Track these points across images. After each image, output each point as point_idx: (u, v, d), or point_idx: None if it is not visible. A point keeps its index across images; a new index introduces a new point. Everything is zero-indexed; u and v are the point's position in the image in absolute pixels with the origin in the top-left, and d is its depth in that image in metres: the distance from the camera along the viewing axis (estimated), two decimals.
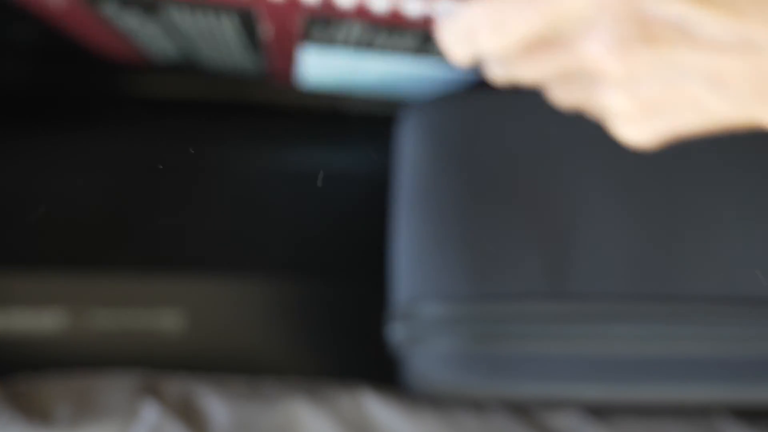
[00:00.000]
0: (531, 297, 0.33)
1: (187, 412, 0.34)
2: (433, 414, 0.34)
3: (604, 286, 0.33)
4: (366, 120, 0.52)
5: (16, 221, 0.47)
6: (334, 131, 0.53)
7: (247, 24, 0.33)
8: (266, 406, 0.34)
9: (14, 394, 0.34)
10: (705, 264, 0.33)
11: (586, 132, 0.35)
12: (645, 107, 0.25)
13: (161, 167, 0.49)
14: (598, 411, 0.35)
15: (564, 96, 0.28)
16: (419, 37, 0.32)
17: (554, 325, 0.32)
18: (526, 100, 0.36)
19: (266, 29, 0.33)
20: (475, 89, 0.37)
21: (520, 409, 0.34)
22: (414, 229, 0.36)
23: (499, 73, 0.28)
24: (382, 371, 0.40)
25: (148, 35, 0.36)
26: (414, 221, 0.36)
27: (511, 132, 0.36)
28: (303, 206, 0.50)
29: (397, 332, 0.35)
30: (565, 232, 0.34)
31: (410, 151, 0.37)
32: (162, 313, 0.43)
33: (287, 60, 0.39)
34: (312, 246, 0.49)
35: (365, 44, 0.33)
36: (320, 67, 0.39)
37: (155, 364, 0.39)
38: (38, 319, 0.41)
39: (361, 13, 0.30)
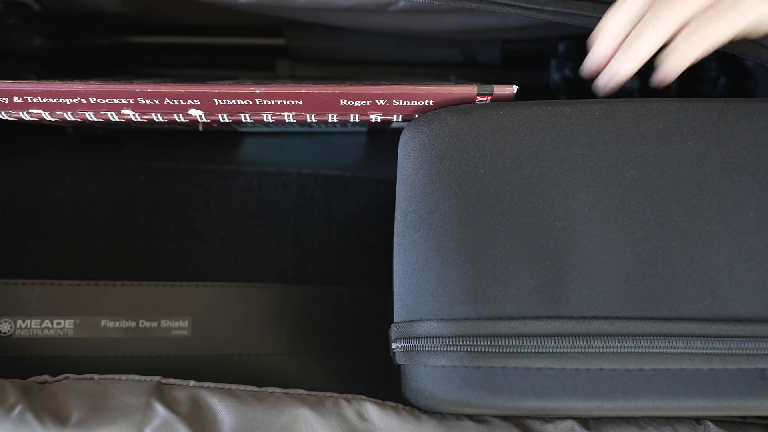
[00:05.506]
0: (526, 317, 0.33)
1: (197, 416, 0.35)
2: (435, 424, 0.34)
3: (597, 307, 0.33)
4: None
5: (32, 237, 0.48)
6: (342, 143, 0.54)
7: None
8: (271, 414, 0.35)
9: (31, 396, 0.34)
10: (694, 284, 0.33)
11: (580, 152, 0.36)
12: None
13: (167, 180, 0.50)
14: (595, 418, 0.36)
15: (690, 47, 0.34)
16: None
17: (549, 341, 0.33)
18: (524, 119, 0.37)
19: None
20: (474, 107, 0.38)
21: (520, 423, 0.35)
22: (412, 246, 0.36)
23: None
24: (384, 384, 0.40)
25: None
26: (412, 238, 0.36)
27: (508, 151, 0.36)
28: (308, 217, 0.50)
29: (397, 347, 0.35)
30: (559, 251, 0.34)
31: (409, 167, 0.38)
32: (170, 322, 0.44)
33: None
34: (316, 257, 0.50)
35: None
36: None
37: (165, 370, 0.40)
38: (55, 328, 0.42)
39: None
